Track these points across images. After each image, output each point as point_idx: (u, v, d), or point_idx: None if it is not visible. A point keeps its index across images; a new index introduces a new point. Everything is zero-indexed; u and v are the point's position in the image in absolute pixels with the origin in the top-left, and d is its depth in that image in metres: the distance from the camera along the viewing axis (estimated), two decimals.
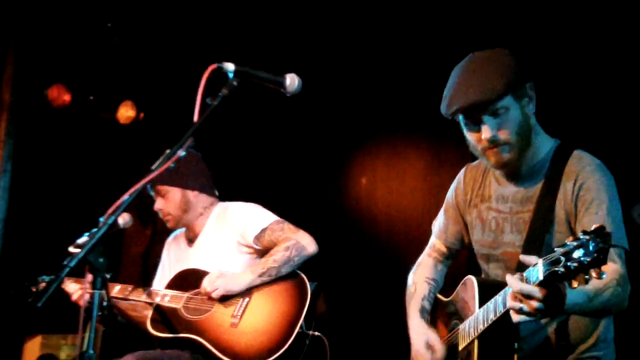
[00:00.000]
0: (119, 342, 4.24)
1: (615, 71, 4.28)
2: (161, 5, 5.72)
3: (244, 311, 3.64)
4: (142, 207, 6.05)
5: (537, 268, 2.17)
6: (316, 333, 3.59)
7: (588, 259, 2.04)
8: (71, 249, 2.55)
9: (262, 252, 3.86)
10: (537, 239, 2.65)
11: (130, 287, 3.92)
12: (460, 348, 2.78)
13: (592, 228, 2.08)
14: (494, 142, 2.64)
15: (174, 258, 4.13)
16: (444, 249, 3.18)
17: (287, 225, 3.86)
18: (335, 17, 5.39)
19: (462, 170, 3.08)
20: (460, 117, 2.71)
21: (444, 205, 3.17)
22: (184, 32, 5.84)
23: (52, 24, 5.74)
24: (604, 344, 2.80)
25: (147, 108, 6.31)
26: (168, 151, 2.32)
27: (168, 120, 5.84)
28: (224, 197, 4.18)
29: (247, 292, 3.70)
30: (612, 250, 2.47)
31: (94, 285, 2.22)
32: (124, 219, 3.44)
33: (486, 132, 2.62)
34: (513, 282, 2.25)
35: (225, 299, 3.69)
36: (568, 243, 2.09)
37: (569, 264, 2.07)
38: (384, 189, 5.56)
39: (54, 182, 6.16)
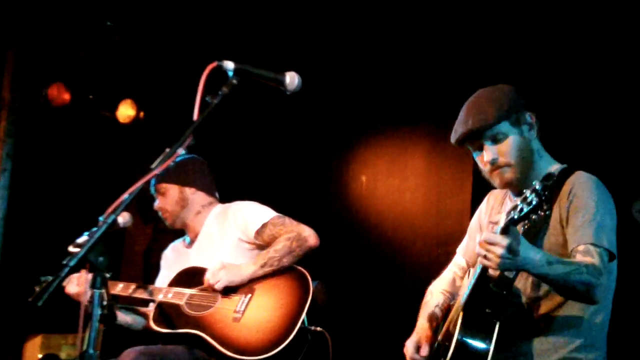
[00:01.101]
0: (120, 342, 4.24)
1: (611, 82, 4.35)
2: (161, 4, 5.70)
3: (246, 306, 3.65)
4: (143, 206, 6.06)
5: (502, 219, 2.47)
6: (318, 328, 3.61)
7: (537, 199, 2.36)
8: (71, 248, 2.55)
9: (264, 248, 3.86)
10: (529, 240, 2.77)
11: (133, 285, 3.92)
12: (451, 327, 2.90)
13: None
14: (494, 164, 2.91)
15: (172, 263, 4.12)
16: (463, 264, 3.34)
17: (288, 220, 3.88)
18: (336, 13, 5.38)
19: (487, 196, 3.31)
20: (470, 147, 3.01)
21: (469, 227, 3.39)
22: (183, 30, 5.83)
23: (51, 23, 5.73)
24: (592, 349, 2.83)
25: (147, 107, 6.30)
26: (168, 150, 2.31)
27: (168, 119, 5.83)
28: (223, 194, 4.18)
29: (250, 287, 3.71)
30: (591, 248, 2.68)
31: (94, 284, 2.22)
32: (124, 218, 3.44)
33: (487, 155, 2.92)
34: (483, 233, 2.54)
35: (227, 294, 3.70)
36: (525, 190, 2.42)
37: (522, 206, 2.39)
38: (384, 186, 5.55)
39: (54, 181, 6.16)
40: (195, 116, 2.36)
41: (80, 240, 2.48)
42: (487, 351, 2.67)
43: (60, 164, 6.20)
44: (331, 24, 5.45)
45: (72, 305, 3.79)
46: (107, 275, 2.27)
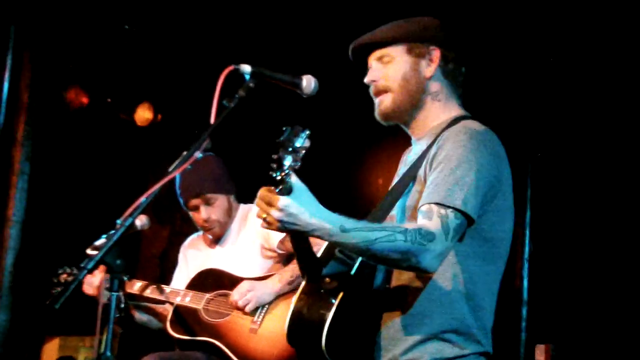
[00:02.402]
0: (137, 344, 4.25)
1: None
2: (178, 7, 5.72)
3: (264, 317, 3.62)
4: (160, 208, 6.08)
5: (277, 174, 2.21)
6: None
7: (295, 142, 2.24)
8: (89, 251, 2.56)
9: (286, 256, 3.84)
10: (392, 196, 2.61)
11: (151, 286, 3.90)
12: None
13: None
14: (373, 84, 2.67)
15: (192, 261, 4.09)
16: None
17: None
18: (353, 16, 5.37)
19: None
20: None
21: None
22: (201, 33, 5.84)
23: (69, 26, 5.76)
24: (462, 337, 2.41)
25: (165, 110, 6.32)
26: (185, 153, 2.32)
27: (185, 122, 5.84)
28: (242, 197, 4.17)
29: None
30: (435, 208, 2.31)
31: (111, 287, 2.22)
32: (141, 221, 3.45)
33: (368, 75, 2.69)
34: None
35: None
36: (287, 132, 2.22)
37: (280, 154, 2.21)
38: None
39: (72, 183, 6.18)
40: (212, 119, 2.36)
41: (97, 243, 2.50)
42: (320, 329, 2.36)
43: (78, 167, 6.22)
44: (347, 27, 5.43)
45: (90, 308, 3.81)
46: (125, 278, 2.27)
